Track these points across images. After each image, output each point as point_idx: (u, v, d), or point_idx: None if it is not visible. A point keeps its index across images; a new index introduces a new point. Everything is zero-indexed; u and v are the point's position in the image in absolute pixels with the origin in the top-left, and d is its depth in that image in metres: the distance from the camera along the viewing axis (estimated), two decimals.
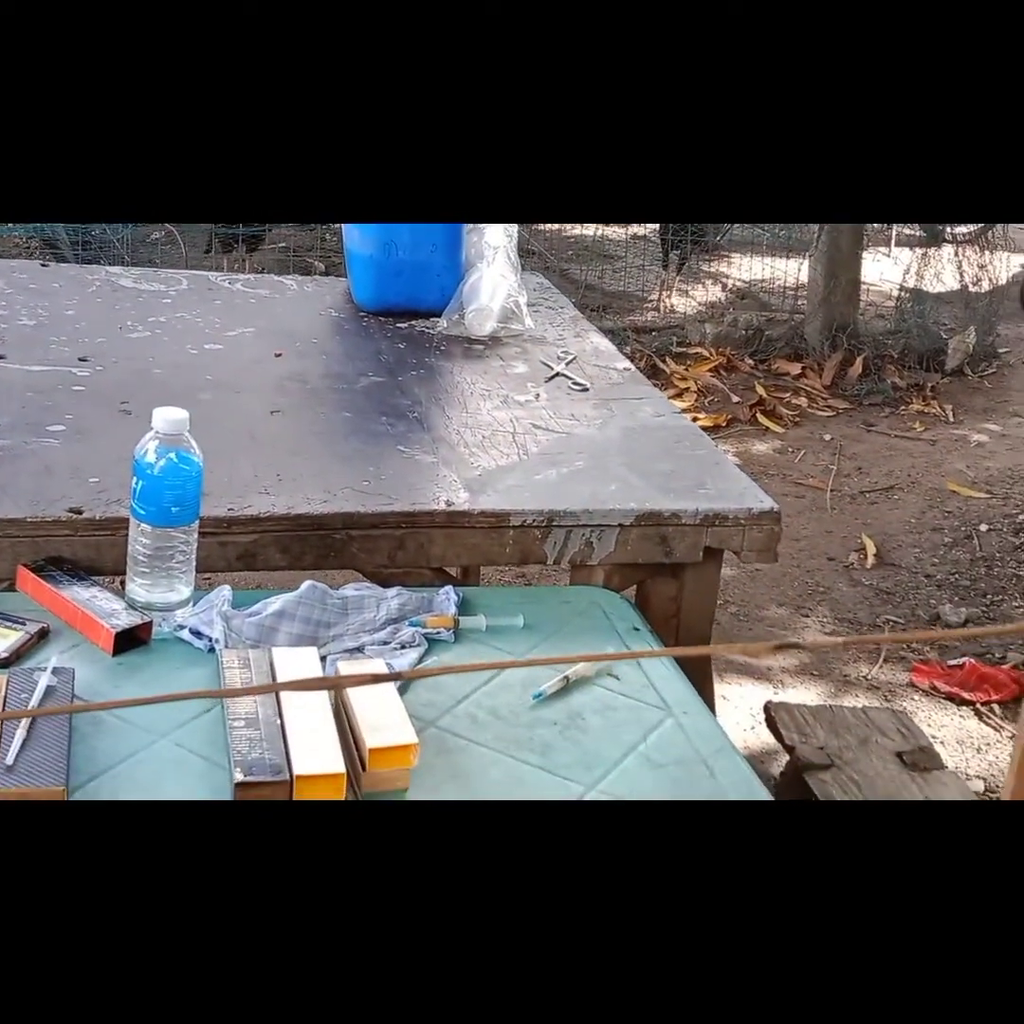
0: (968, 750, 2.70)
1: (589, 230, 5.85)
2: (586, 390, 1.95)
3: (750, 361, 4.75)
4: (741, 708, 2.77)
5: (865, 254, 5.03)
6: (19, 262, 2.58)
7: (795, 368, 4.71)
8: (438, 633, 1.43)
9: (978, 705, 2.84)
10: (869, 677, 2.98)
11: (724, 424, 4.25)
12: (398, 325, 2.13)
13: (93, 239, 4.59)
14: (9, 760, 1.12)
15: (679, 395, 4.33)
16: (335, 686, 0.79)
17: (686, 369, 4.61)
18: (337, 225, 4.63)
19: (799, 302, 5.12)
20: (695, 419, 3.48)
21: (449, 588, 1.50)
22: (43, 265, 2.37)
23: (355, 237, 2.18)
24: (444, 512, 1.54)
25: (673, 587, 1.65)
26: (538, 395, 1.91)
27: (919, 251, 5.30)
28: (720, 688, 2.79)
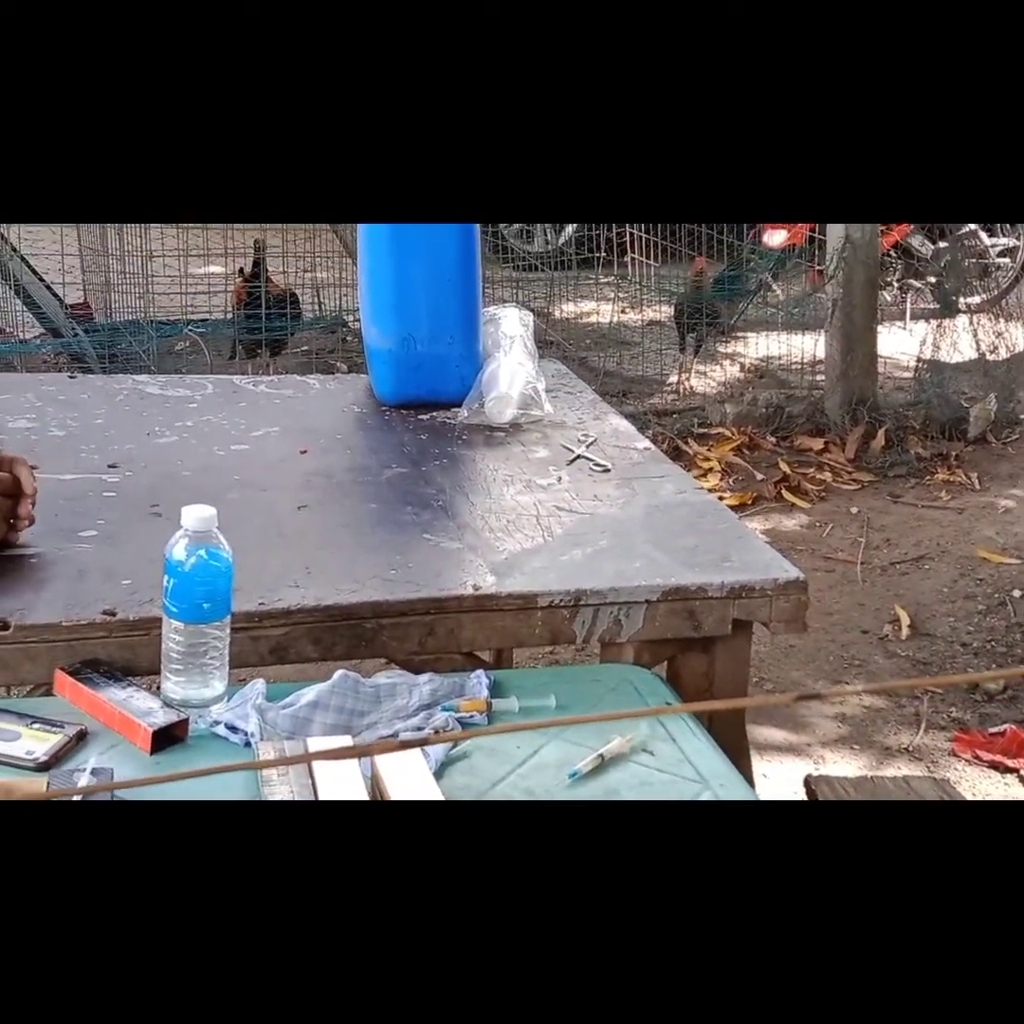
0: None
1: (604, 318, 5.92)
2: (608, 471, 1.97)
3: (772, 439, 4.77)
4: (782, 785, 2.74)
5: (880, 328, 5.07)
6: (48, 375, 2.64)
7: (817, 443, 4.73)
8: (471, 717, 1.43)
9: (1022, 772, 2.80)
10: (911, 748, 2.96)
11: (750, 502, 4.26)
12: (420, 417, 2.16)
13: (119, 352, 4.69)
14: None
15: (703, 475, 4.34)
16: (364, 754, 0.80)
17: (708, 449, 4.63)
18: (357, 326, 4.71)
19: (817, 378, 5.15)
20: (720, 498, 3.51)
21: (480, 672, 1.51)
22: (71, 377, 2.42)
23: (374, 333, 2.22)
24: (472, 596, 1.55)
25: (704, 662, 1.66)
26: (560, 478, 1.93)
27: (934, 323, 5.34)
28: (759, 766, 2.77)
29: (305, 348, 5.23)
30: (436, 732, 1.40)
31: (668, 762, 1.41)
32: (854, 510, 4.30)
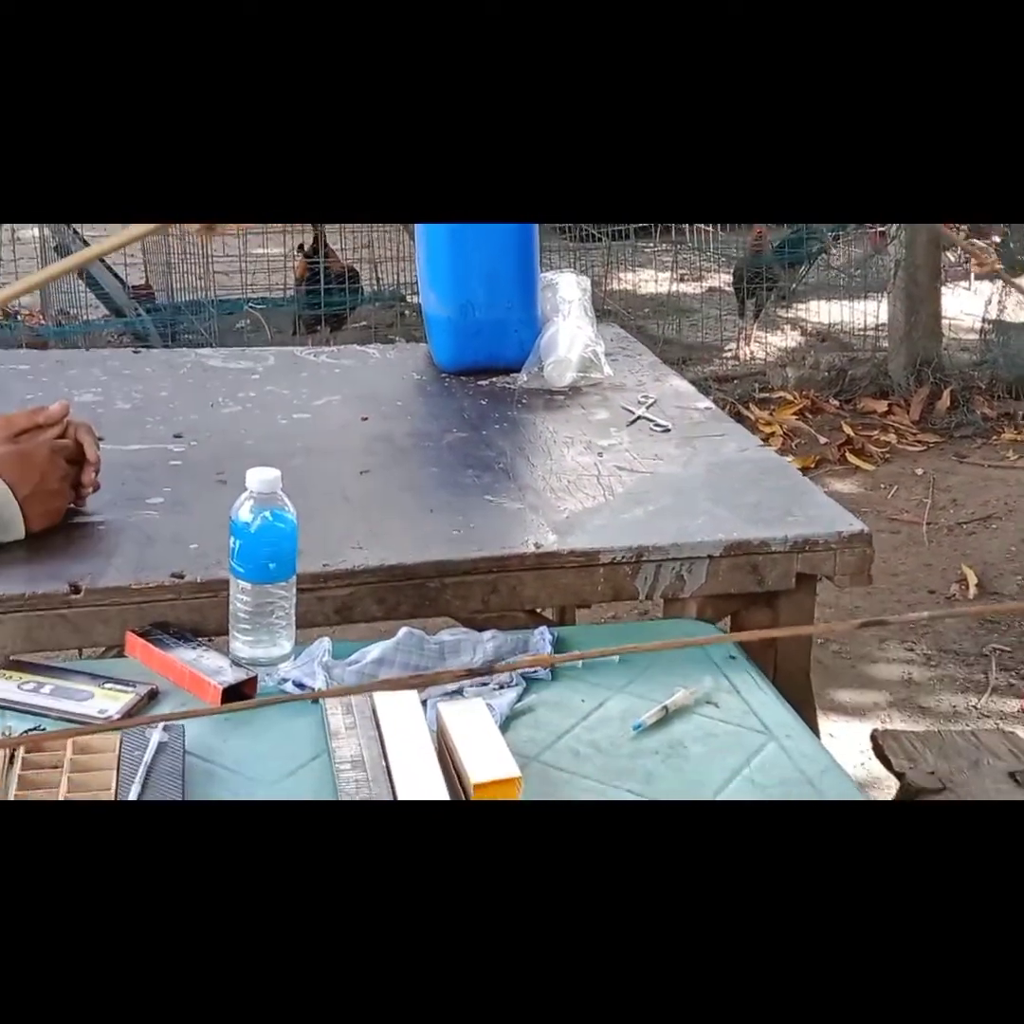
0: None
1: (663, 287, 5.89)
2: (668, 431, 1.97)
3: (835, 402, 4.74)
4: (850, 745, 2.73)
5: (944, 288, 5.00)
6: (112, 351, 2.68)
7: (881, 406, 4.68)
8: (535, 672, 1.44)
9: None
10: (979, 707, 2.93)
11: (813, 465, 4.24)
12: (479, 383, 2.17)
13: (181, 331, 4.74)
14: None
15: (766, 440, 4.31)
16: (424, 684, 0.81)
17: (771, 414, 4.60)
18: (416, 301, 4.72)
19: (880, 341, 5.10)
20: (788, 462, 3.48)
21: (543, 629, 1.52)
22: (135, 352, 2.45)
23: (432, 301, 2.23)
24: (534, 554, 1.56)
25: (768, 616, 1.65)
26: (621, 439, 1.93)
27: (999, 282, 5.26)
28: (826, 726, 2.76)
29: (364, 324, 5.25)
30: (500, 688, 1.42)
31: (733, 713, 1.41)
32: (919, 471, 4.26)
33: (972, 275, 5.92)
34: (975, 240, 5.93)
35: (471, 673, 0.56)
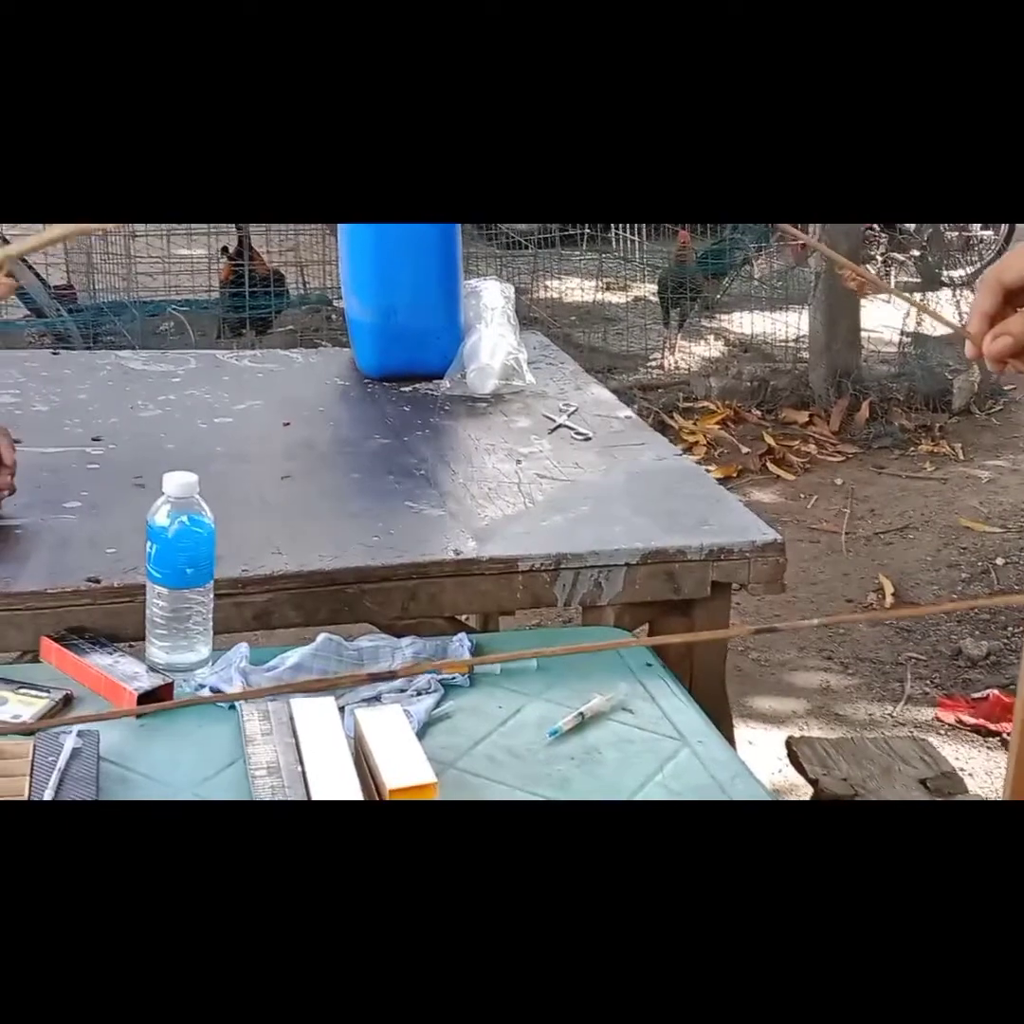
0: (997, 780, 2.69)
1: (589, 296, 5.93)
2: (589, 439, 1.99)
3: (757, 412, 4.79)
4: (767, 752, 2.77)
5: (864, 301, 5.09)
6: (31, 352, 2.65)
7: (802, 416, 4.75)
8: (453, 678, 1.45)
9: (1004, 736, 2.83)
10: (894, 715, 2.99)
11: (735, 475, 4.29)
12: (402, 389, 2.17)
13: (103, 332, 4.68)
14: None
15: (689, 449, 4.36)
16: (331, 685, 0.81)
17: (694, 423, 4.65)
18: (341, 306, 4.71)
19: (801, 352, 5.17)
20: (706, 471, 3.52)
21: (463, 635, 1.53)
22: (54, 353, 2.43)
23: (355, 305, 2.23)
24: (453, 561, 1.57)
25: (684, 624, 1.67)
26: (542, 446, 1.95)
27: (918, 295, 5.36)
28: (744, 733, 2.79)
29: (290, 328, 5.22)
30: (418, 694, 1.42)
31: (648, 720, 1.43)
32: (838, 481, 4.32)
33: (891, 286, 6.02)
34: (895, 254, 6.04)
35: (374, 677, 0.57)
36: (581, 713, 1.40)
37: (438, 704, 1.41)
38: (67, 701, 1.36)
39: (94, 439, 1.89)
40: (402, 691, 1.42)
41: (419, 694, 1.42)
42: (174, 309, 4.90)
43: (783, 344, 5.36)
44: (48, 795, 1.17)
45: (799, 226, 5.15)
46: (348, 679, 0.73)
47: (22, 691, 1.36)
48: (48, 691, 1.36)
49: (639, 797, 1.29)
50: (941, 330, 5.13)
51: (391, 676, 0.55)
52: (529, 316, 5.15)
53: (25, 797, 1.17)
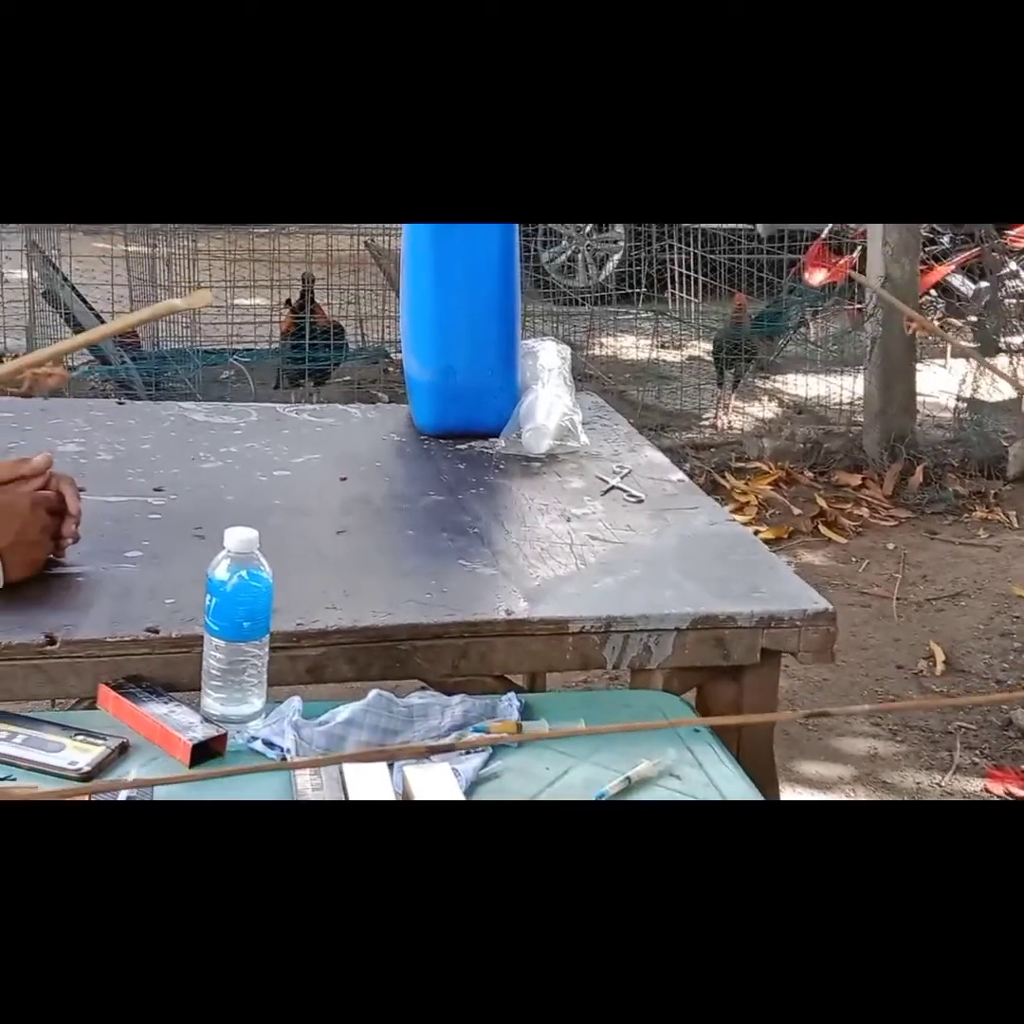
0: None
1: (644, 353, 5.96)
2: (641, 502, 2.01)
3: (809, 474, 4.79)
4: None
5: (920, 365, 5.09)
6: (97, 401, 2.70)
7: (855, 479, 4.74)
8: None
9: None
10: (943, 785, 2.96)
11: (786, 536, 4.28)
12: (458, 447, 2.20)
13: (165, 380, 4.77)
14: None
15: (740, 509, 4.36)
16: (392, 757, 0.83)
17: (746, 484, 4.65)
18: (399, 358, 4.78)
19: (855, 415, 5.17)
20: (757, 532, 3.52)
21: (512, 694, 1.54)
22: (119, 403, 2.48)
23: (414, 364, 2.27)
24: (504, 621, 1.58)
25: (733, 690, 1.68)
26: (595, 508, 1.97)
27: (974, 361, 5.34)
28: (791, 797, 2.77)
29: (348, 379, 5.30)
30: (467, 753, 1.44)
31: (694, 786, 1.43)
32: (891, 546, 4.30)
33: (948, 353, 6.02)
34: (952, 320, 6.04)
35: (433, 750, 0.58)
36: (628, 777, 1.41)
37: (486, 763, 1.43)
38: (123, 749, 1.39)
39: (156, 489, 1.93)
40: (451, 750, 1.43)
41: (467, 753, 1.43)
42: (235, 359, 4.99)
43: (837, 407, 5.36)
44: None
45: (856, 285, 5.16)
46: (408, 750, 0.74)
47: (79, 738, 1.39)
48: (104, 738, 1.39)
49: None
50: (997, 396, 5.12)
51: (449, 749, 0.57)
52: (584, 373, 5.19)
53: None
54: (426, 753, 0.55)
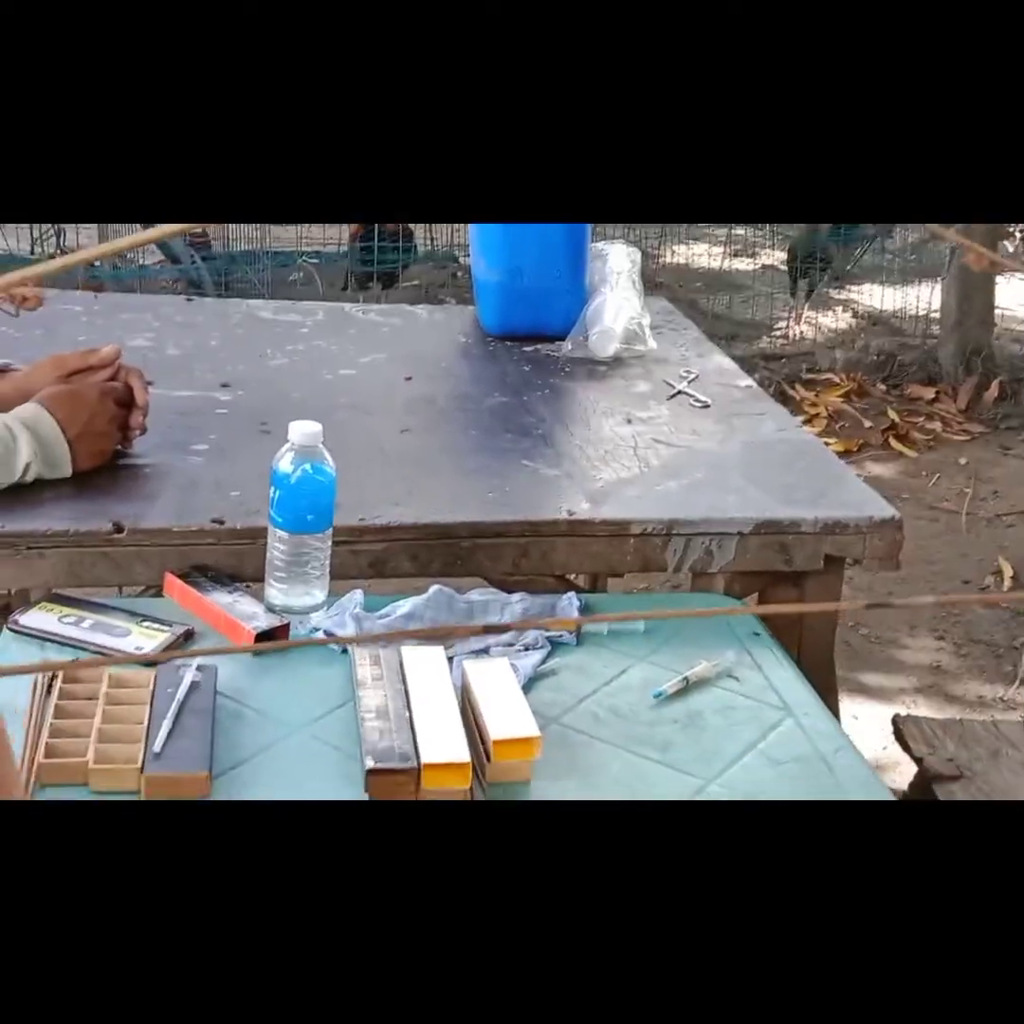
0: None
1: (716, 262, 5.87)
2: (708, 407, 1.99)
3: (882, 386, 4.72)
4: (872, 729, 2.75)
5: (999, 278, 4.96)
6: (166, 297, 2.71)
7: (929, 393, 4.66)
8: (561, 636, 1.47)
9: None
10: (1006, 699, 2.94)
11: (856, 449, 4.23)
12: (524, 348, 2.19)
13: (234, 281, 4.77)
14: (157, 748, 1.19)
15: (809, 421, 4.31)
16: (446, 635, 0.83)
17: (817, 395, 4.59)
18: (467, 263, 4.75)
19: (931, 328, 5.07)
20: (826, 444, 3.48)
21: (572, 594, 1.54)
22: (188, 300, 2.49)
23: (482, 265, 2.25)
24: (566, 521, 1.58)
25: (795, 596, 1.67)
26: (660, 412, 1.95)
27: None
28: (849, 707, 2.78)
29: (416, 283, 5.27)
30: (526, 650, 1.45)
31: (753, 689, 1.43)
32: (963, 461, 4.24)
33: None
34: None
35: (488, 629, 0.59)
36: (686, 678, 1.41)
37: (544, 660, 1.44)
38: (187, 636, 1.41)
39: (223, 385, 1.94)
40: (510, 646, 1.44)
41: (526, 650, 1.44)
42: (305, 260, 4.98)
43: (913, 318, 5.25)
44: (166, 725, 1.22)
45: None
46: (461, 629, 0.75)
47: (145, 624, 1.41)
48: (169, 626, 1.42)
49: (740, 764, 1.30)
50: None
51: (503, 629, 0.57)
52: (654, 281, 5.12)
53: (145, 725, 1.22)
54: (482, 632, 0.55)
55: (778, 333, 5.27)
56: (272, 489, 1.42)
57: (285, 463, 1.41)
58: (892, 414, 4.48)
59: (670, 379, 2.09)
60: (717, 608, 1.38)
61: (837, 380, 4.71)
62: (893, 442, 4.31)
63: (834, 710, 1.64)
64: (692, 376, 2.10)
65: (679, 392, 2.04)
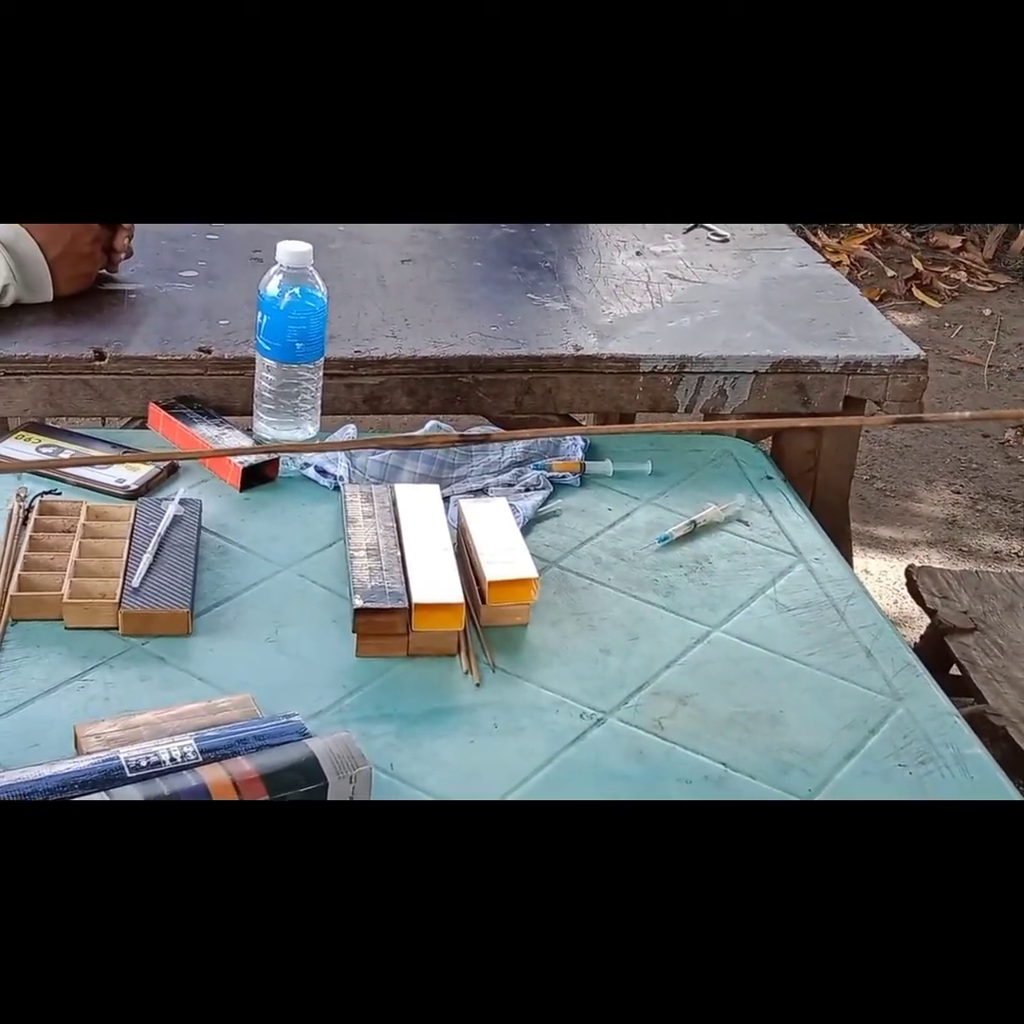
0: None
1: None
2: (727, 241, 1.89)
3: (907, 234, 4.56)
4: (885, 582, 2.70)
5: None
6: None
7: (955, 241, 4.51)
8: (563, 477, 1.41)
9: None
10: (1022, 553, 2.88)
11: (878, 298, 4.10)
12: None
13: None
14: (135, 583, 1.14)
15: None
16: (421, 443, 0.77)
17: (839, 242, 4.45)
18: None
19: None
20: None
21: (577, 435, 1.47)
22: None
23: None
24: (572, 356, 1.50)
25: (811, 440, 1.60)
26: (676, 246, 1.85)
27: None
28: (863, 561, 2.72)
29: None
30: (526, 490, 1.38)
31: (763, 533, 1.37)
32: (987, 312, 4.12)
33: None
34: None
35: (465, 439, 0.52)
36: (693, 521, 1.35)
37: (546, 502, 1.37)
38: (172, 469, 1.35)
39: None
40: (510, 486, 1.38)
41: (527, 490, 1.38)
42: None
43: None
44: (146, 559, 1.16)
45: None
46: (438, 438, 0.68)
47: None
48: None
49: (747, 610, 1.24)
50: None
51: (486, 439, 0.51)
52: None
53: (123, 559, 1.16)
54: (461, 441, 0.49)
55: None
56: (259, 314, 1.33)
57: (273, 286, 1.33)
58: (916, 263, 4.34)
59: None
60: (718, 425, 1.31)
61: (861, 226, 4.55)
62: (916, 292, 4.19)
63: (847, 558, 1.58)
64: None
65: (696, 225, 1.93)
